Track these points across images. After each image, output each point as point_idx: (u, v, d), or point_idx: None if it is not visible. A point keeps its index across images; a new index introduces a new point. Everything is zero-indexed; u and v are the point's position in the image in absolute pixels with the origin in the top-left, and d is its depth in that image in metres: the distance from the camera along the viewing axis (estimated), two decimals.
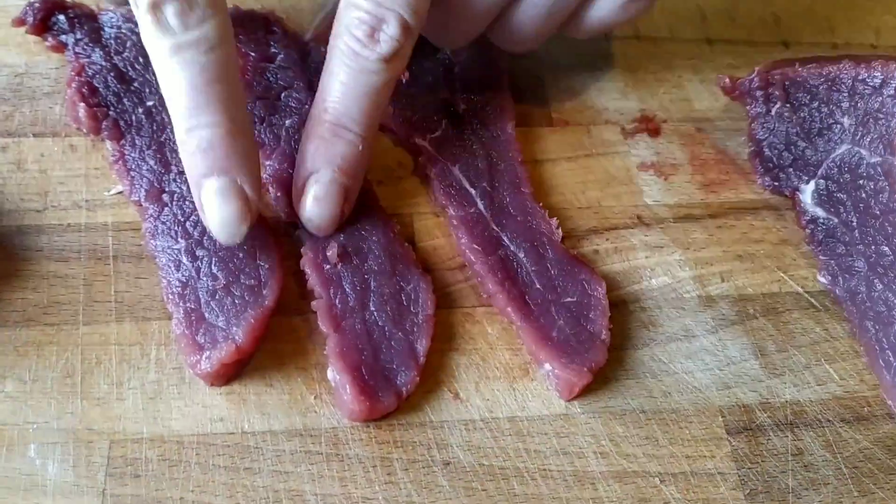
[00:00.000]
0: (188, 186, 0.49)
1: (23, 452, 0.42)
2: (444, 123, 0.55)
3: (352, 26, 0.42)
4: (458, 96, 0.57)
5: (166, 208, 0.49)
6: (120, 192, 0.50)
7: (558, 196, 0.54)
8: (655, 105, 0.60)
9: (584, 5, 0.49)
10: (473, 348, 0.47)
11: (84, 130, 0.52)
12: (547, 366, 0.46)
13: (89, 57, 0.54)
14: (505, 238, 0.50)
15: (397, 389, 0.44)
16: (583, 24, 0.50)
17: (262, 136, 0.53)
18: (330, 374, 0.44)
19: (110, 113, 0.52)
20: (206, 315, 0.44)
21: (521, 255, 0.50)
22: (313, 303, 0.46)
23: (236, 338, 0.42)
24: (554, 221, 0.52)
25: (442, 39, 0.51)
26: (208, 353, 0.42)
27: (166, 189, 0.49)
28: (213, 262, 0.46)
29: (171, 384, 0.44)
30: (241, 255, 0.46)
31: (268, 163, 0.52)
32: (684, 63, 0.62)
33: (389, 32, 0.42)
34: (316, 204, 0.45)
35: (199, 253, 0.47)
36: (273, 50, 0.56)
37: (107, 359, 0.45)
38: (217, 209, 0.42)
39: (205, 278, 0.46)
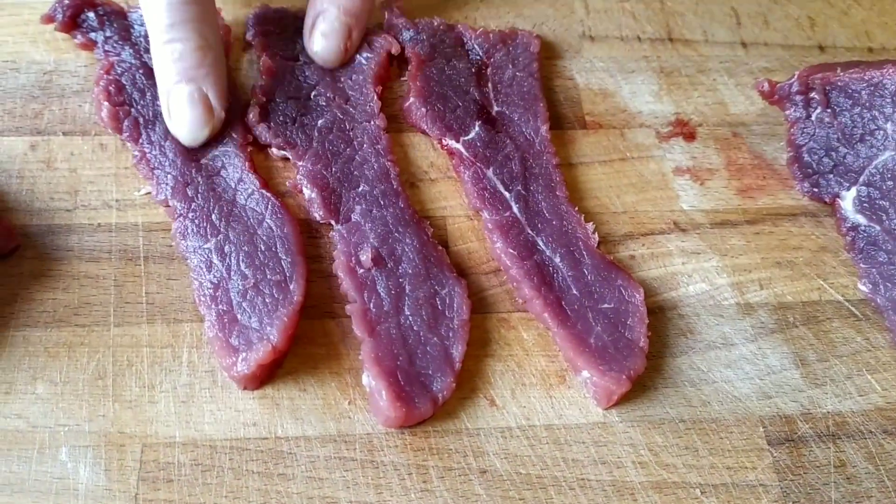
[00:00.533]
0: (209, 175, 0.49)
1: (54, 455, 0.41)
2: (478, 125, 0.54)
3: None
4: (491, 98, 0.56)
5: (192, 203, 0.48)
6: (149, 193, 0.50)
7: (593, 200, 0.53)
8: (690, 109, 0.59)
9: None
10: (509, 354, 0.46)
11: (108, 128, 0.51)
12: (585, 373, 0.45)
13: (118, 55, 0.53)
14: (540, 242, 0.50)
15: (433, 395, 0.43)
16: None
17: (295, 136, 0.52)
18: (365, 379, 0.43)
19: (132, 112, 0.51)
20: (239, 316, 0.44)
21: (557, 260, 0.49)
22: (347, 307, 0.45)
23: (271, 337, 0.42)
24: (590, 226, 0.51)
25: None
26: (244, 354, 0.42)
27: (190, 182, 0.49)
28: (240, 258, 0.46)
29: (203, 387, 0.44)
30: (262, 248, 0.46)
31: (301, 163, 0.52)
32: (719, 66, 0.61)
33: None
34: (323, 38, 0.51)
35: (227, 249, 0.46)
36: (300, 46, 0.55)
37: (138, 361, 0.44)
38: (183, 113, 0.47)
39: (235, 277, 0.45)
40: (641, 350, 0.46)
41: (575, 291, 0.48)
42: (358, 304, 0.45)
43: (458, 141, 0.53)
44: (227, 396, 0.43)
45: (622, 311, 0.47)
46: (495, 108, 0.56)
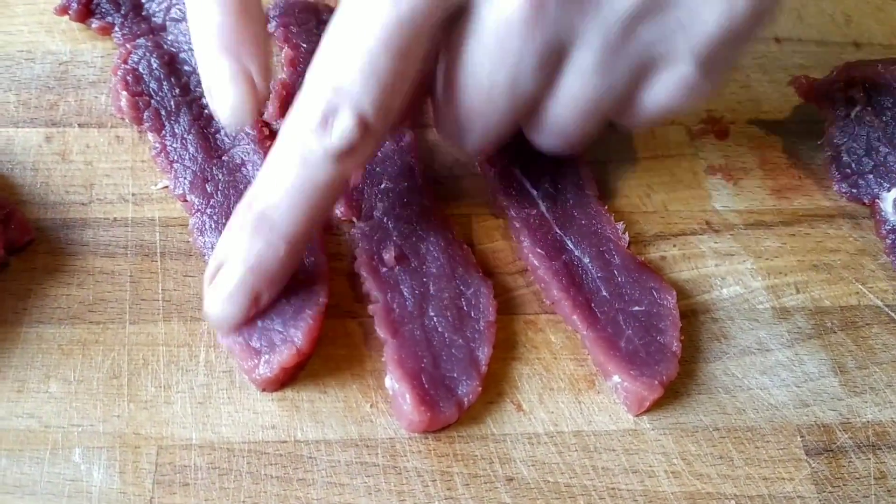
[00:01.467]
0: (229, 171, 0.47)
1: (67, 457, 0.40)
2: None
3: (304, 107, 0.35)
4: None
5: (212, 199, 0.47)
6: (166, 187, 0.49)
7: (622, 199, 0.52)
8: (722, 106, 0.57)
9: (636, 91, 0.38)
10: (536, 357, 0.45)
11: (127, 121, 0.50)
12: (615, 378, 0.43)
13: (135, 39, 0.52)
14: (569, 242, 0.48)
15: (459, 399, 0.41)
16: (637, 113, 0.40)
17: None
18: (388, 382, 0.42)
19: (152, 102, 0.50)
20: (260, 319, 0.42)
21: (587, 260, 0.47)
22: (370, 307, 0.44)
23: (295, 340, 0.40)
24: (620, 226, 0.49)
25: (457, 142, 0.41)
26: (266, 357, 0.40)
27: (209, 178, 0.47)
28: None
29: (220, 388, 0.42)
30: None
31: None
32: (751, 62, 0.59)
33: (342, 125, 0.34)
34: (217, 299, 0.38)
35: None
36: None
37: (154, 360, 0.43)
38: (225, 90, 0.39)
39: None
40: (674, 355, 0.44)
41: (605, 293, 0.46)
42: (381, 304, 0.44)
43: None
44: (245, 398, 0.42)
45: (654, 315, 0.45)
46: None
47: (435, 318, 0.44)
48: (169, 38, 0.52)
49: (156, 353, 0.42)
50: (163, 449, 0.40)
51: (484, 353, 0.43)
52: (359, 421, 0.42)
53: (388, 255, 0.45)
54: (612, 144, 0.54)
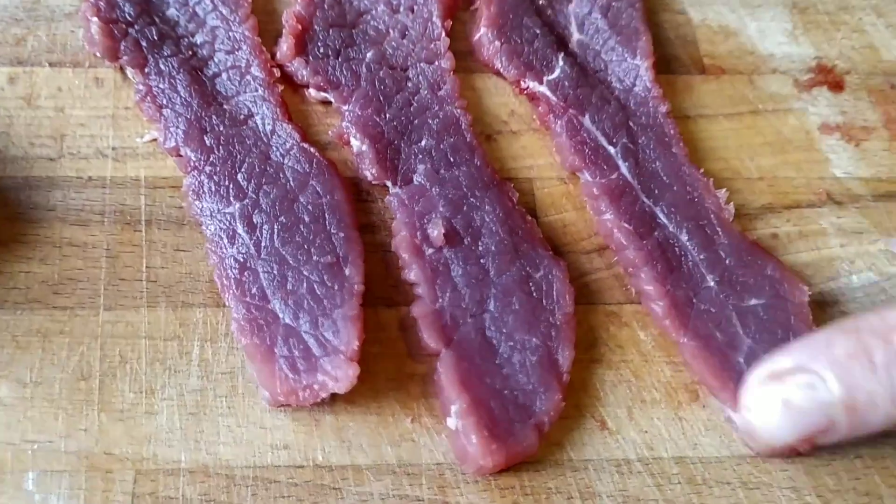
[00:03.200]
0: (233, 122, 0.38)
1: (17, 483, 0.30)
2: (561, 61, 0.42)
3: None
4: (571, 23, 0.44)
5: (211, 154, 0.37)
6: (155, 139, 0.39)
7: (718, 162, 0.42)
8: (834, 53, 0.47)
9: None
10: (622, 360, 0.35)
11: (99, 54, 0.40)
12: (729, 412, 0.34)
13: None
14: (661, 214, 0.38)
15: (538, 420, 0.32)
16: None
17: (337, 73, 0.41)
18: (451, 421, 0.32)
19: (130, 32, 0.40)
20: (282, 315, 0.33)
21: (684, 238, 0.37)
22: (413, 308, 0.34)
23: (344, 351, 0.31)
24: (721, 194, 0.39)
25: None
26: (303, 379, 0.31)
27: (208, 128, 0.38)
28: (276, 231, 0.35)
29: (219, 395, 0.33)
30: (307, 219, 0.35)
31: (345, 107, 0.40)
32: (863, 3, 0.49)
33: None
34: (781, 407, 0.31)
35: (258, 218, 0.35)
36: None
37: (134, 357, 0.33)
38: None
39: (267, 257, 0.34)
40: None
41: (710, 282, 0.36)
42: (427, 300, 0.34)
43: (541, 82, 0.42)
44: (250, 409, 0.33)
45: (778, 313, 0.35)
46: (575, 37, 0.44)
47: (498, 314, 0.34)
48: None
49: (136, 347, 0.33)
50: (142, 474, 0.31)
51: (565, 356, 0.33)
52: (396, 440, 0.33)
53: (435, 232, 0.35)
54: (699, 95, 0.44)
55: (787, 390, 0.30)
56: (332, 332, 0.33)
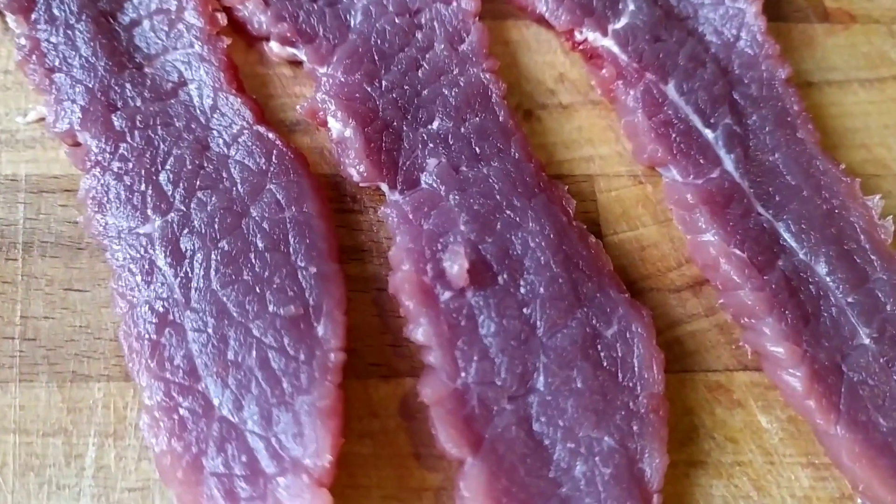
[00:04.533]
0: (155, 93, 0.26)
1: None
2: (632, 1, 0.30)
3: None
4: None
5: (123, 143, 0.26)
6: (42, 119, 0.27)
7: (858, 150, 0.32)
8: None
9: None
10: (736, 462, 0.25)
11: None
12: None
13: None
14: (785, 233, 0.26)
15: None
16: None
17: (312, 19, 0.30)
18: None
19: None
20: (218, 402, 0.21)
21: (822, 269, 0.26)
22: (423, 385, 0.23)
23: (307, 462, 0.19)
24: (875, 202, 0.27)
25: None
26: (247, 490, 0.19)
27: (119, 103, 0.26)
28: (215, 263, 0.23)
29: None
30: (260, 245, 0.23)
31: (322, 70, 0.29)
32: None
33: None
34: None
35: (189, 243, 0.24)
36: None
37: None
38: None
39: (200, 309, 0.22)
40: None
41: (865, 338, 0.25)
42: (443, 373, 0.24)
43: (604, 32, 0.31)
44: None
45: None
46: None
47: (551, 395, 0.22)
48: None
49: (1, 447, 0.21)
50: None
51: (654, 465, 0.22)
52: None
53: (455, 267, 0.23)
54: (823, 52, 0.31)
55: None
56: (294, 433, 0.21)
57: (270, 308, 0.25)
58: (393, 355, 0.25)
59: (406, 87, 0.29)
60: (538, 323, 0.24)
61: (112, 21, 0.30)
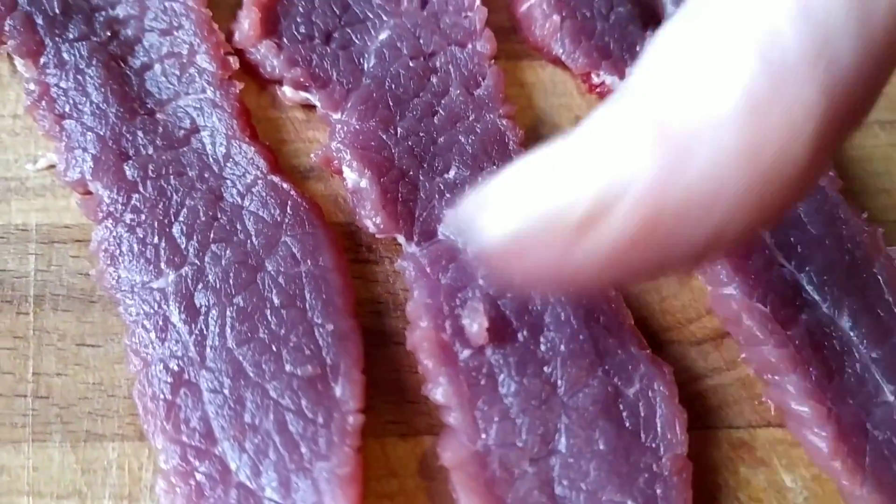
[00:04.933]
0: (168, 141, 0.26)
1: None
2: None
3: None
4: None
5: (135, 194, 0.25)
6: (52, 166, 0.26)
7: (880, 197, 0.32)
8: None
9: None
10: None
11: None
12: None
13: None
14: (808, 286, 0.26)
15: None
16: None
17: (326, 63, 0.30)
18: None
19: (19, 2, 0.27)
20: (236, 467, 0.21)
21: (846, 324, 0.25)
22: (442, 447, 0.22)
23: None
24: None
25: None
26: None
27: (132, 151, 0.26)
28: (230, 319, 0.22)
29: None
30: (276, 302, 0.22)
31: (336, 116, 0.28)
32: None
33: None
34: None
35: (203, 298, 0.23)
36: None
37: None
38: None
39: (216, 368, 0.22)
40: None
41: (890, 395, 0.24)
42: (463, 434, 0.23)
43: (621, 75, 0.31)
44: None
45: None
46: (669, 8, 0.33)
47: (574, 457, 0.22)
48: None
49: None
50: None
51: None
52: None
53: (475, 325, 0.23)
54: None
55: None
56: (314, 502, 0.20)
57: (287, 367, 0.24)
58: (411, 412, 0.24)
59: (422, 135, 0.28)
60: (559, 381, 0.24)
61: (123, 65, 0.29)
